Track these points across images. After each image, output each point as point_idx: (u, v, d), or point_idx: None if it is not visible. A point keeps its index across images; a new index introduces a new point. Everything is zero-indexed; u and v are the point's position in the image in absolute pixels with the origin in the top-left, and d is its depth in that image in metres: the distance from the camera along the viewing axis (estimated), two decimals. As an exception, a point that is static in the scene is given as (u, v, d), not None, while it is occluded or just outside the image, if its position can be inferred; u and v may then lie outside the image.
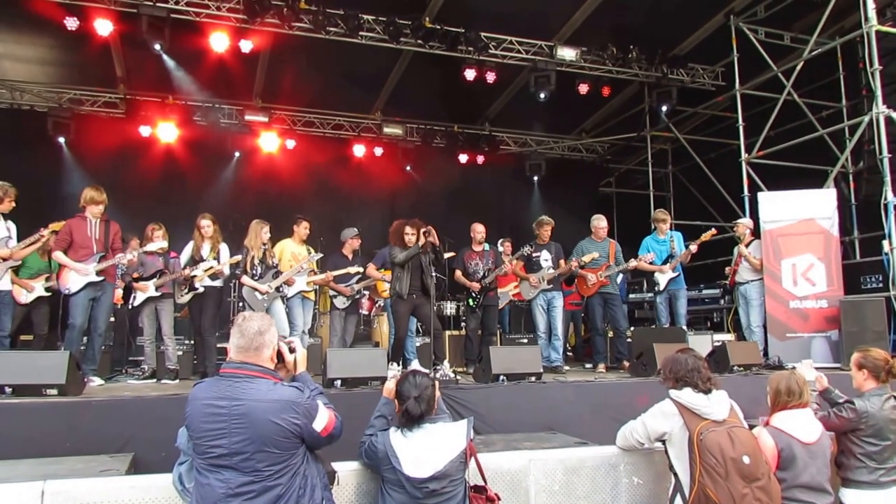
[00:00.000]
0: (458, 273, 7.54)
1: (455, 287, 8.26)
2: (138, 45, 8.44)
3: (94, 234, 6.08)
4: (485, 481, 3.12)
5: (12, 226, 5.91)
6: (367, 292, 8.33)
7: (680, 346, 4.17)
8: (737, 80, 9.58)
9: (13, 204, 5.83)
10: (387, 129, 12.04)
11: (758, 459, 3.02)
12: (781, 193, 8.18)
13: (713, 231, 7.74)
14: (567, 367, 7.53)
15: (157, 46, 8.24)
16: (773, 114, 9.05)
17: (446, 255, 7.97)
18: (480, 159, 12.71)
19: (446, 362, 6.40)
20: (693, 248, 7.63)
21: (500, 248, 8.62)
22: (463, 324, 8.57)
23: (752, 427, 3.34)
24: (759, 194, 8.41)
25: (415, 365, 6.61)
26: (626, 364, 7.29)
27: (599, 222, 7.74)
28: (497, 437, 4.70)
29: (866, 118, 7.77)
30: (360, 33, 9.05)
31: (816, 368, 4.11)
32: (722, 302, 10.41)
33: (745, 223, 8.10)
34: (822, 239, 7.80)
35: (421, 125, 12.41)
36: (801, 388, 3.43)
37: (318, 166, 11.67)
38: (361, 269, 7.77)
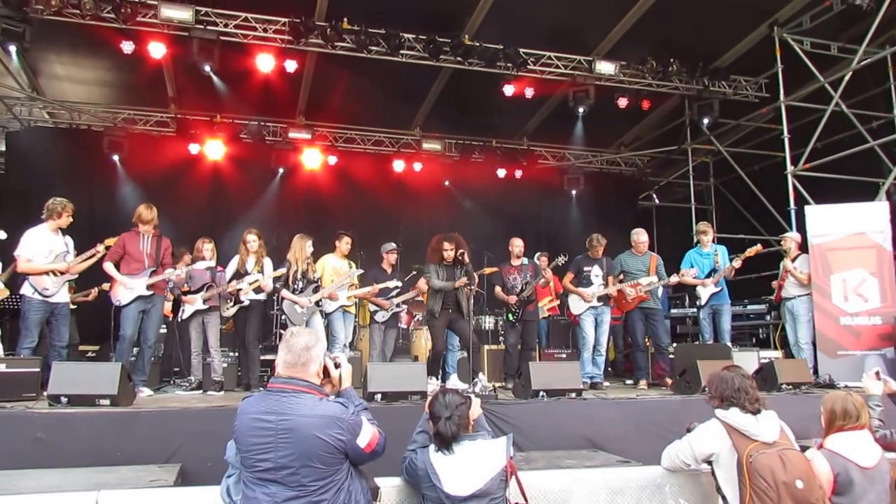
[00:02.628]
0: (498, 289, 7.54)
1: (494, 302, 8.25)
2: (189, 66, 8.75)
3: (146, 249, 6.30)
4: (525, 500, 3.08)
5: (70, 240, 6.17)
6: (405, 306, 8.40)
7: (725, 363, 4.07)
8: (781, 92, 9.37)
9: (70, 219, 6.07)
10: (426, 145, 12.14)
11: (812, 484, 2.91)
12: (830, 207, 7.96)
13: (758, 247, 7.54)
14: (607, 384, 7.43)
15: (207, 68, 8.52)
16: (819, 125, 8.83)
17: (489, 271, 7.99)
18: (519, 174, 12.71)
19: (482, 376, 6.39)
20: (737, 263, 7.47)
21: (538, 262, 8.59)
22: (501, 338, 8.55)
23: (804, 449, 3.23)
24: (807, 208, 8.19)
25: (453, 379, 6.63)
26: (669, 381, 7.16)
27: (640, 236, 7.63)
28: (537, 454, 4.65)
29: (920, 128, 7.54)
30: (401, 51, 9.19)
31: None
32: (768, 318, 10.15)
33: (792, 237, 7.89)
34: (874, 253, 7.56)
35: (460, 140, 12.47)
36: (859, 409, 3.28)
37: (358, 182, 11.85)
38: (400, 284, 7.83)
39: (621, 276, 7.48)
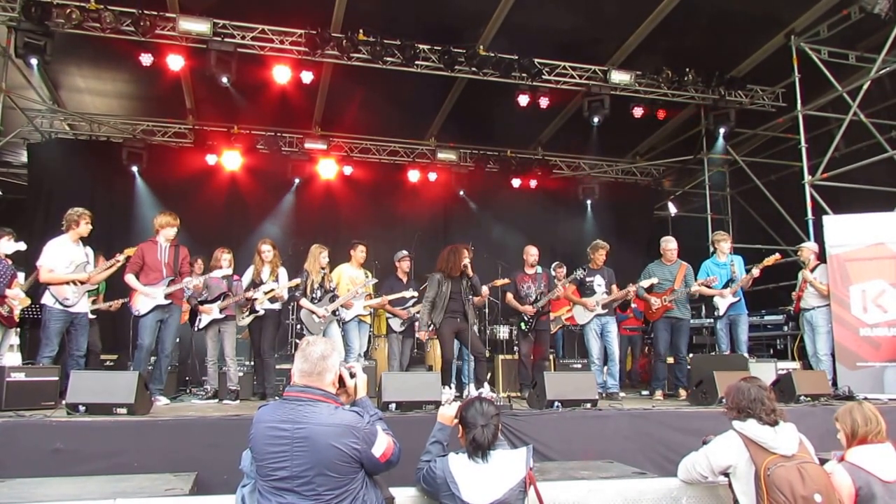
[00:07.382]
0: (510, 296, 7.53)
1: (508, 311, 8.23)
2: (206, 78, 8.85)
3: (163, 259, 6.34)
4: (543, 511, 3.07)
5: (90, 251, 6.24)
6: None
7: (742, 374, 4.03)
8: (798, 102, 9.31)
9: (89, 227, 6.13)
10: (441, 155, 12.15)
11: (831, 499, 2.86)
12: (849, 217, 7.88)
13: (777, 256, 7.48)
14: (623, 394, 7.38)
15: (225, 79, 8.62)
16: (837, 135, 8.75)
17: (500, 283, 7.98)
18: (533, 183, 12.70)
19: (487, 385, 6.37)
20: (755, 273, 7.40)
21: (553, 273, 8.57)
22: (515, 348, 8.52)
23: (823, 462, 3.19)
24: (825, 218, 8.10)
25: (470, 390, 6.60)
26: (684, 392, 7.10)
27: (668, 244, 7.58)
28: (552, 465, 4.61)
29: (940, 137, 7.44)
30: (416, 62, 9.25)
31: (890, 400, 3.86)
32: (785, 328, 10.02)
33: (809, 247, 7.81)
34: (893, 264, 7.44)
35: (474, 150, 12.50)
36: (877, 415, 3.24)
37: (373, 192, 11.92)
38: (416, 294, 7.85)
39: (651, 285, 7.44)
